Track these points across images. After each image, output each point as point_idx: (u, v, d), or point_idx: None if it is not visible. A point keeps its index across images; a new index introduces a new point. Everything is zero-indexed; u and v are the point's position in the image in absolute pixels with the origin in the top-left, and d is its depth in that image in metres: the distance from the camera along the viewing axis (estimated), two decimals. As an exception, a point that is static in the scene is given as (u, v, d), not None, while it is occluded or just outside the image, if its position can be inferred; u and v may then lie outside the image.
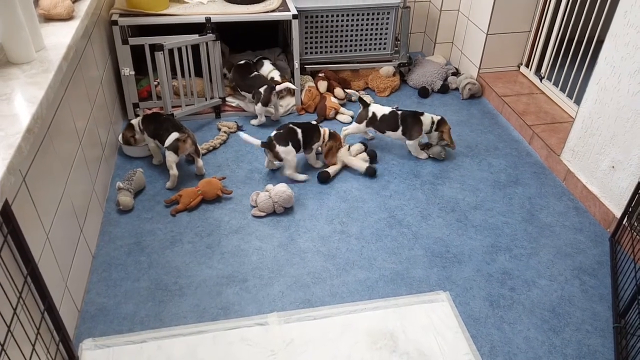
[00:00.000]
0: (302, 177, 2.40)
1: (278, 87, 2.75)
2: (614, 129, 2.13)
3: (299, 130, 2.35)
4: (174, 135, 2.24)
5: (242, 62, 2.89)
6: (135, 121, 2.45)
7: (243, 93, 2.83)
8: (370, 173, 2.44)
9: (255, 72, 2.84)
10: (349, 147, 2.56)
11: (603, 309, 1.86)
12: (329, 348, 1.69)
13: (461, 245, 2.11)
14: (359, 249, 2.08)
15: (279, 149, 2.31)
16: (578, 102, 2.41)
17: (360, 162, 2.47)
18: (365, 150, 2.58)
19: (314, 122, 2.48)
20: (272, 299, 1.86)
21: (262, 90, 2.70)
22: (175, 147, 2.26)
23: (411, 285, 1.93)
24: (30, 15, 1.52)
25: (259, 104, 2.72)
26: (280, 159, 2.35)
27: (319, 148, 2.47)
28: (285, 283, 1.92)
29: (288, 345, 1.69)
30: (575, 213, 2.29)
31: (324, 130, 2.45)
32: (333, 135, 2.46)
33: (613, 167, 2.15)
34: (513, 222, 2.23)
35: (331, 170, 2.44)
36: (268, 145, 2.32)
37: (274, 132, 2.35)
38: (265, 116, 2.81)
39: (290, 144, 2.31)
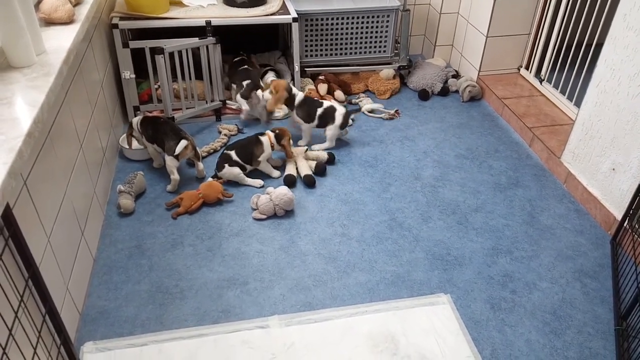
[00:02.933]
0: (253, 181, 2.40)
1: (261, 92, 2.70)
2: (614, 132, 2.13)
3: (232, 153, 2.36)
4: (183, 143, 2.24)
5: (239, 58, 2.94)
6: (135, 120, 2.43)
7: (233, 85, 2.88)
8: (307, 181, 2.41)
9: (246, 66, 2.88)
10: (307, 149, 2.56)
11: (604, 311, 1.86)
12: (330, 351, 1.69)
13: (462, 247, 2.11)
14: (360, 252, 2.08)
15: (219, 174, 2.38)
16: (578, 104, 2.41)
17: (305, 168, 2.46)
18: (327, 161, 2.53)
19: (257, 134, 2.44)
20: (273, 302, 1.86)
21: (244, 84, 2.74)
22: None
23: (412, 288, 1.93)
24: (31, 19, 1.52)
25: (238, 95, 2.78)
26: (227, 180, 2.39)
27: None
28: (286, 286, 1.92)
29: (289, 349, 1.69)
30: (576, 215, 2.29)
31: (267, 138, 2.41)
32: (281, 135, 2.43)
33: (613, 169, 2.15)
34: (514, 225, 2.23)
35: (292, 171, 2.44)
36: (215, 176, 2.41)
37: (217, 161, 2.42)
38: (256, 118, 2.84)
39: (225, 166, 2.35)
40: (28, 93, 1.38)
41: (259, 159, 2.40)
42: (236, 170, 2.36)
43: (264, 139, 2.41)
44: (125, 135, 2.59)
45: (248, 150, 2.38)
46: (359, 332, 1.75)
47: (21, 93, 1.38)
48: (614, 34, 2.08)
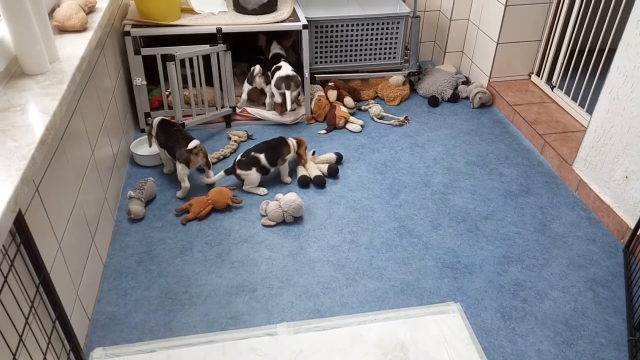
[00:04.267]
0: (261, 190, 2.41)
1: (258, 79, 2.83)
2: (627, 139, 2.11)
3: (261, 156, 2.36)
4: (195, 142, 2.26)
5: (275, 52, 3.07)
6: (155, 121, 2.44)
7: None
8: (316, 182, 2.45)
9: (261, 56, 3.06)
10: (314, 152, 2.60)
11: (617, 321, 1.83)
12: (339, 359, 1.68)
13: (472, 255, 2.09)
14: (369, 259, 2.07)
15: (240, 172, 2.37)
16: (590, 111, 2.39)
17: (315, 170, 2.50)
18: (336, 161, 2.58)
19: (285, 138, 2.48)
20: (282, 309, 1.85)
21: (252, 69, 2.89)
22: (187, 160, 2.27)
23: (422, 296, 1.91)
24: (44, 27, 1.54)
25: (245, 82, 2.90)
26: (242, 180, 2.39)
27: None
28: (294, 293, 1.92)
29: (297, 356, 1.68)
30: (588, 223, 2.27)
31: (292, 142, 2.46)
32: (299, 143, 2.50)
33: (626, 177, 2.13)
34: (525, 233, 2.21)
35: (304, 172, 2.48)
36: (231, 172, 2.38)
37: (238, 158, 2.39)
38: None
39: (253, 169, 2.35)
40: (41, 100, 1.40)
41: (286, 158, 2.44)
42: (257, 177, 2.36)
43: (290, 140, 2.46)
44: (136, 141, 2.62)
45: (277, 151, 2.41)
46: (368, 340, 1.74)
47: (34, 100, 1.40)
48: (627, 41, 2.06)
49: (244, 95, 2.92)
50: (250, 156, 2.37)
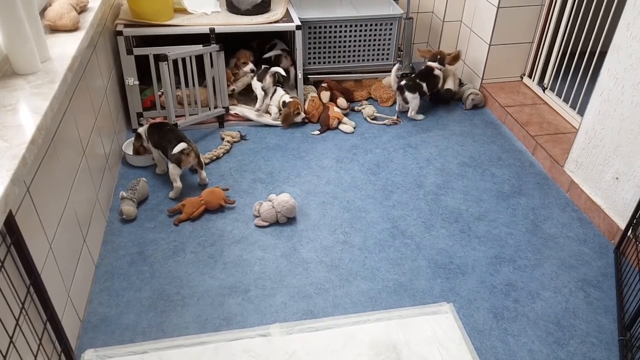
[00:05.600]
0: (420, 116, 2.97)
1: (273, 69, 2.90)
2: (617, 141, 2.13)
3: (423, 84, 2.92)
4: (181, 146, 2.24)
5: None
6: (142, 130, 2.46)
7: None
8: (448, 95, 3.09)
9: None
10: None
11: (608, 321, 1.85)
12: (332, 360, 1.68)
13: (465, 256, 2.10)
14: (362, 260, 2.07)
15: (408, 95, 2.91)
16: (581, 113, 2.41)
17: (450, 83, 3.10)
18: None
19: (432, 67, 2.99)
20: (275, 310, 1.85)
21: (263, 67, 2.94)
22: (178, 160, 2.26)
23: (414, 297, 1.92)
24: (36, 26, 1.53)
25: (255, 79, 2.94)
26: (407, 102, 2.92)
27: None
28: (287, 294, 1.91)
29: (290, 357, 1.68)
30: (580, 224, 2.28)
31: (439, 72, 2.97)
32: (443, 57, 2.99)
33: (617, 178, 2.14)
34: (517, 233, 2.22)
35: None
36: (400, 90, 2.94)
37: (404, 82, 2.93)
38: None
39: (417, 92, 2.91)
40: (32, 100, 1.38)
41: (438, 85, 3.03)
42: (418, 98, 2.92)
43: (438, 72, 2.98)
44: (128, 141, 2.61)
45: (431, 83, 2.96)
46: (360, 341, 1.74)
47: (25, 100, 1.39)
48: (618, 43, 2.08)
49: (259, 92, 2.89)
50: (416, 82, 2.91)
